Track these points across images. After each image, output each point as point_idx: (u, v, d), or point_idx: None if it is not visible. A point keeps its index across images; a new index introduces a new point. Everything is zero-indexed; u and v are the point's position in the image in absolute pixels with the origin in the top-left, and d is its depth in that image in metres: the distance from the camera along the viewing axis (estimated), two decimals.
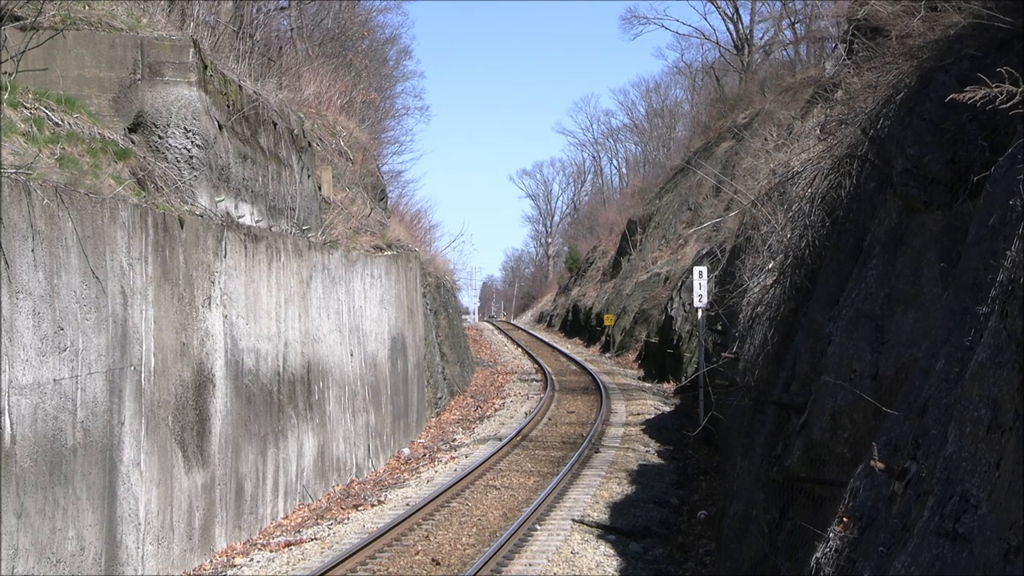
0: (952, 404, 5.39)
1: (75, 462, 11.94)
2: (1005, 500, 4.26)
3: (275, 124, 21.04)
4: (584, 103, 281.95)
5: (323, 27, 43.13)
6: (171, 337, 14.69)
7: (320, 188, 25.63)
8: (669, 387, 40.66)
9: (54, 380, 11.48)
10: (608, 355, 57.79)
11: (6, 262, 10.24)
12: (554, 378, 44.51)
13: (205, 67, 17.18)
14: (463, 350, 47.14)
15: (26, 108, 13.84)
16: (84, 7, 17.04)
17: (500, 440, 27.68)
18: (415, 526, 18.00)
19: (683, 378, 37.62)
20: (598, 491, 21.90)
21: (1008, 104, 6.21)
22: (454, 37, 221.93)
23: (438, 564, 15.78)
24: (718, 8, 66.74)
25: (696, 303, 28.51)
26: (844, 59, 16.60)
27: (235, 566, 15.62)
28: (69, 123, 14.45)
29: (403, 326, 29.00)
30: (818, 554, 6.58)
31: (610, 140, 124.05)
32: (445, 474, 23.38)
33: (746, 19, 65.75)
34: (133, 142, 16.09)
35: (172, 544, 14.61)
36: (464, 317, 73.94)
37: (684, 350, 40.22)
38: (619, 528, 18.72)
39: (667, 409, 35.19)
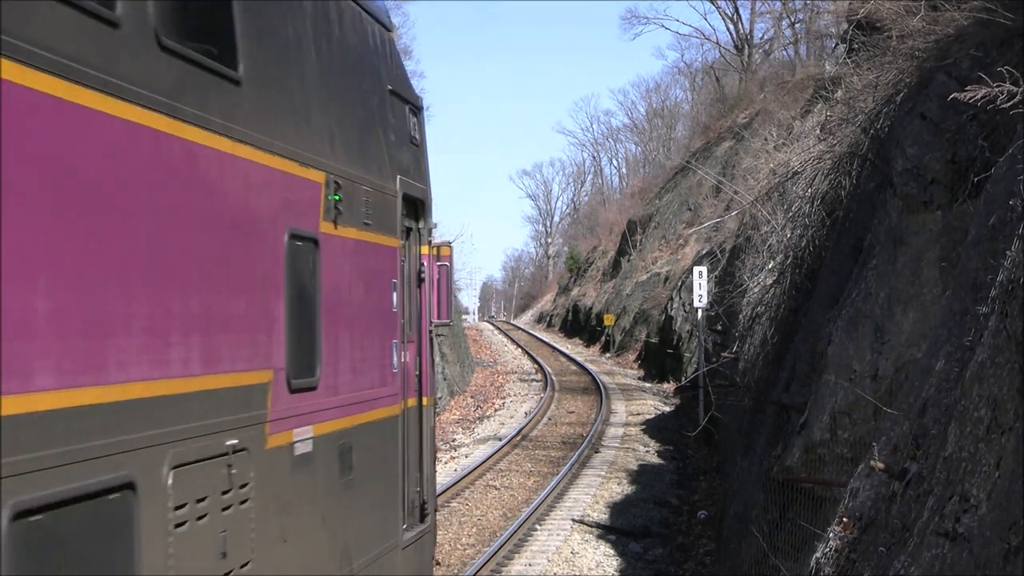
0: (952, 404, 5.38)
1: None
2: (1005, 500, 4.25)
3: None
4: (584, 103, 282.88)
5: None
6: None
7: None
8: (669, 387, 40.67)
9: None
10: (608, 355, 57.81)
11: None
12: (554, 378, 44.52)
13: None
14: (463, 350, 47.15)
15: None
16: None
17: (500, 440, 27.68)
18: None
19: (683, 378, 37.63)
20: (598, 491, 21.91)
21: (1009, 103, 6.20)
22: (454, 37, 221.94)
23: (438, 564, 15.77)
24: (718, 8, 66.77)
25: (696, 303, 28.50)
26: (844, 58, 16.60)
27: None
28: None
29: None
30: (818, 554, 6.57)
31: (610, 140, 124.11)
32: (445, 474, 23.37)
33: (746, 19, 65.78)
34: None
35: None
36: (464, 317, 73.90)
37: (684, 350, 40.22)
38: (619, 528, 18.73)
39: (667, 409, 35.20)
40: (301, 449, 7.14)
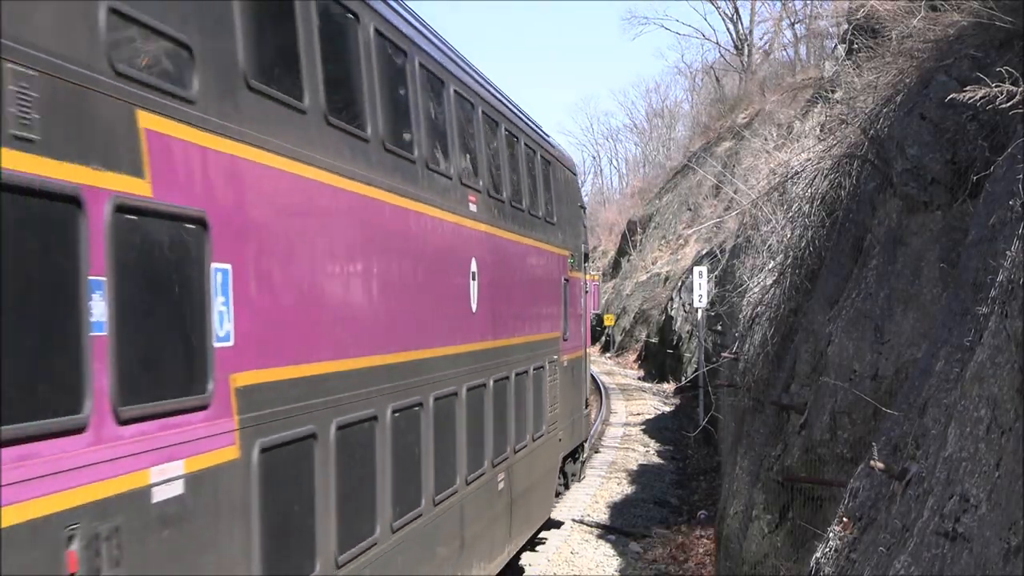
0: (952, 404, 5.38)
1: None
2: (1005, 500, 4.25)
3: None
4: (584, 103, 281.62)
5: None
6: None
7: None
8: (669, 387, 40.65)
9: None
10: (608, 355, 57.80)
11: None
12: None
13: None
14: None
15: None
16: None
17: None
18: None
19: (683, 378, 37.60)
20: (598, 491, 21.91)
21: (1008, 104, 6.20)
22: (453, 37, 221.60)
23: None
24: (718, 9, 66.75)
25: (696, 303, 28.50)
26: (844, 59, 16.60)
27: None
28: None
29: None
30: (818, 554, 6.57)
31: (610, 140, 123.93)
32: None
33: (746, 19, 65.75)
34: None
35: None
36: None
37: (684, 350, 40.19)
38: (619, 528, 18.72)
39: (667, 409, 35.18)
40: (565, 364, 17.73)
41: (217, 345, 6.12)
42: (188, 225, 5.93)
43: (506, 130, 14.20)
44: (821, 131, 16.25)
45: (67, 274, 4.93)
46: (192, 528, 5.77)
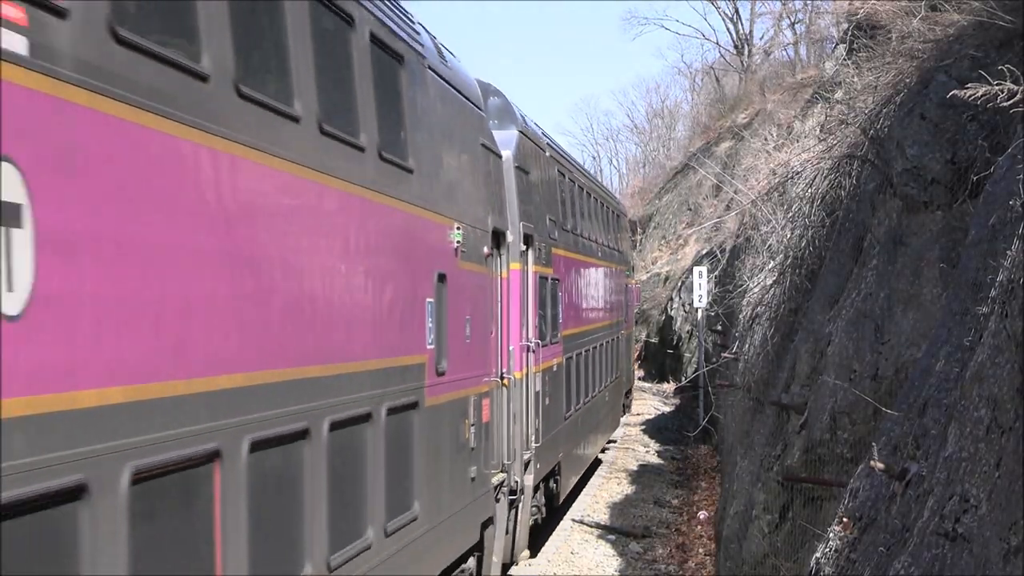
0: (952, 404, 5.38)
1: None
2: (1005, 500, 4.25)
3: None
4: (584, 103, 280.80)
5: None
6: None
7: None
8: (669, 387, 40.62)
9: None
10: None
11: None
12: None
13: None
14: None
15: None
16: None
17: None
18: None
19: (683, 378, 37.58)
20: (598, 491, 21.90)
21: (1009, 102, 6.20)
22: (452, 37, 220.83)
23: None
24: (718, 9, 66.65)
25: (696, 303, 28.51)
26: (844, 59, 16.60)
27: None
28: None
29: None
30: (818, 554, 6.57)
31: (610, 140, 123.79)
32: None
33: (746, 19, 65.65)
34: None
35: None
36: None
37: (684, 350, 40.17)
38: (619, 528, 18.72)
39: (667, 409, 35.16)
40: (626, 336, 32.20)
41: (560, 319, 18.13)
42: (557, 280, 17.78)
43: (610, 207, 28.03)
44: (821, 131, 16.26)
45: (548, 299, 17.03)
46: (557, 381, 17.82)
